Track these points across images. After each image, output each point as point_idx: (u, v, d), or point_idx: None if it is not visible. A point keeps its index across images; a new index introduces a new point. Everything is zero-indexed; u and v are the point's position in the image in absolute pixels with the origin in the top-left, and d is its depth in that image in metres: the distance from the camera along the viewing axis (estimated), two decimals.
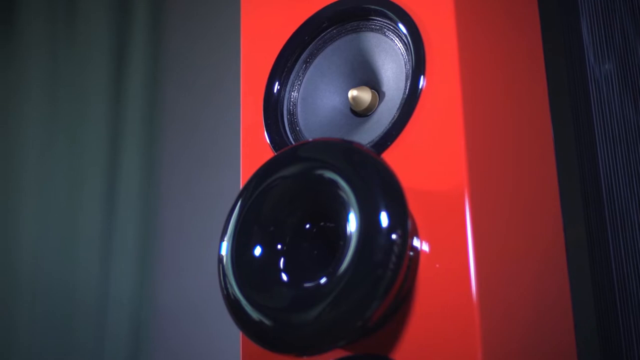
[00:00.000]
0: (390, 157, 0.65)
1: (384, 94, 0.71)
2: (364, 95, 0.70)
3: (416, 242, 0.62)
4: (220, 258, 0.66)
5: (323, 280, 0.60)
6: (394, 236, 0.57)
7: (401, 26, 0.67)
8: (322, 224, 0.64)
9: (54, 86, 1.71)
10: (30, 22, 1.73)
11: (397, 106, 0.68)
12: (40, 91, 1.70)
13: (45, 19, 1.73)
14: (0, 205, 1.67)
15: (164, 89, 1.74)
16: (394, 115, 0.67)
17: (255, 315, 0.62)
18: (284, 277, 0.63)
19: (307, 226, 0.65)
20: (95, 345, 1.57)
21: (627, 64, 0.76)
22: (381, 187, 0.59)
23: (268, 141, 0.73)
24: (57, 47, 1.73)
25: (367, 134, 0.70)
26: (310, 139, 0.70)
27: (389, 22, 0.69)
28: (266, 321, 0.61)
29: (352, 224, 0.59)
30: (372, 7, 0.69)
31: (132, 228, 1.62)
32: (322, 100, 0.74)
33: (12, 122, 1.71)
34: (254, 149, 0.75)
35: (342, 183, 0.61)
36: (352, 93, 0.71)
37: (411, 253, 0.62)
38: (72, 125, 1.70)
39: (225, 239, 0.66)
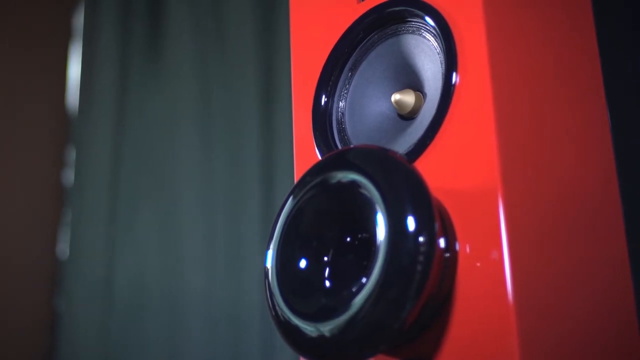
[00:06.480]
0: (428, 158, 0.64)
1: (426, 95, 0.70)
2: (407, 98, 0.70)
3: (452, 243, 0.60)
4: (265, 271, 0.66)
5: (357, 288, 0.59)
6: (421, 239, 0.57)
7: (431, 23, 0.66)
8: (359, 235, 0.64)
9: (207, 100, 1.75)
10: (180, 40, 1.80)
11: (435, 106, 0.66)
12: (193, 106, 1.74)
13: (194, 35, 1.79)
14: (166, 230, 1.71)
15: None
16: (433, 116, 0.66)
17: (312, 332, 0.61)
18: (328, 287, 0.63)
19: (348, 239, 0.65)
20: None
21: None
22: (408, 193, 0.58)
23: (317, 151, 0.74)
24: (207, 61, 1.77)
25: (410, 137, 0.68)
26: (351, 146, 0.70)
27: (423, 22, 0.68)
28: (327, 334, 0.61)
29: (381, 231, 0.59)
30: (402, 8, 0.68)
31: None
32: (369, 106, 0.73)
33: (168, 140, 1.76)
34: (307, 160, 0.75)
35: (374, 192, 0.60)
36: (395, 97, 0.70)
37: (447, 254, 0.60)
38: (226, 138, 1.71)
39: (271, 247, 0.67)
